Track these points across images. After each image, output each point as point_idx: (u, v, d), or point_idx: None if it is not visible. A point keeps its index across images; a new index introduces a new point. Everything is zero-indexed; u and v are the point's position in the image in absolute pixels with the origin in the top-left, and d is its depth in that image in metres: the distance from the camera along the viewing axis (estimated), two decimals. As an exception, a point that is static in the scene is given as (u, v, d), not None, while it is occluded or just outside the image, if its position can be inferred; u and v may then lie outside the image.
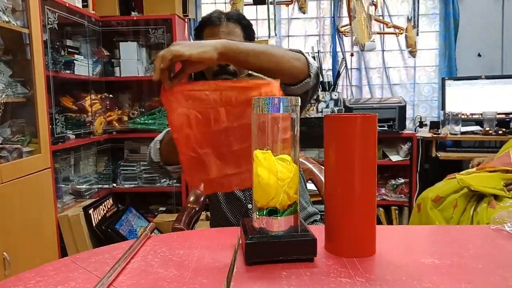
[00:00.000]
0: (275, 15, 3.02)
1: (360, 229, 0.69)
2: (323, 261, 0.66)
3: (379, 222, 2.87)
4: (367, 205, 0.68)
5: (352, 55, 3.23)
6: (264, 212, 0.66)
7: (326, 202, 0.72)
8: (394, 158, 2.83)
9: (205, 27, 1.22)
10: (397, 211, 2.91)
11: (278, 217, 0.66)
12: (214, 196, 1.29)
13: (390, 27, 3.03)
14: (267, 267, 0.64)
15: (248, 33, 1.26)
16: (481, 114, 2.81)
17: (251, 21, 1.28)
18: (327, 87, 3.01)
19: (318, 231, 0.70)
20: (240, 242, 0.72)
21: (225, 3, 3.21)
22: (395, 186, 2.90)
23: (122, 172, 2.99)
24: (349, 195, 0.68)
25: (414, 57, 3.04)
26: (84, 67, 2.65)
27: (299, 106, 0.67)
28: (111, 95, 2.97)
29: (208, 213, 2.76)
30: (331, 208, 0.70)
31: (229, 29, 1.20)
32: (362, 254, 0.68)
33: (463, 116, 2.82)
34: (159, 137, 1.13)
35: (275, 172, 0.64)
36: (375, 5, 2.98)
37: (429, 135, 2.78)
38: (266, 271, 0.63)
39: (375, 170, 0.69)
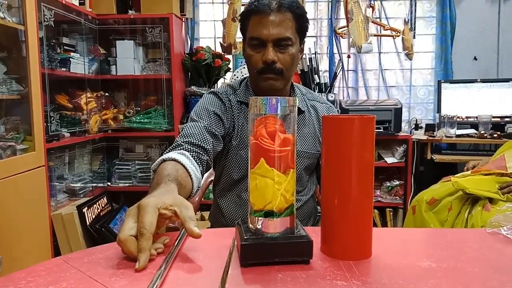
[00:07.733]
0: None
1: (357, 232, 0.68)
2: (319, 263, 0.66)
3: (374, 224, 2.87)
4: (363, 207, 0.68)
5: (349, 56, 3.23)
6: (260, 214, 0.65)
7: (322, 203, 0.71)
8: (390, 160, 2.83)
9: (252, 15, 1.11)
10: (391, 213, 2.91)
11: (274, 219, 0.65)
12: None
13: (387, 30, 3.03)
14: (262, 269, 0.63)
15: (301, 23, 1.12)
16: (477, 117, 2.83)
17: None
18: (323, 89, 3.01)
19: (314, 233, 0.70)
20: (235, 243, 0.71)
21: (222, 3, 3.20)
22: (390, 188, 2.90)
23: (116, 171, 2.98)
24: (346, 197, 0.67)
25: (411, 59, 3.04)
26: (80, 65, 2.64)
27: (296, 107, 0.67)
28: (106, 94, 2.96)
29: (203, 213, 2.75)
30: (328, 210, 0.70)
31: (280, 18, 1.08)
32: (358, 257, 0.68)
33: (458, 119, 2.83)
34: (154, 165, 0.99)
35: (272, 176, 0.64)
36: (373, 8, 2.99)
37: (425, 137, 2.79)
38: (261, 273, 0.62)
39: (372, 172, 0.68)
